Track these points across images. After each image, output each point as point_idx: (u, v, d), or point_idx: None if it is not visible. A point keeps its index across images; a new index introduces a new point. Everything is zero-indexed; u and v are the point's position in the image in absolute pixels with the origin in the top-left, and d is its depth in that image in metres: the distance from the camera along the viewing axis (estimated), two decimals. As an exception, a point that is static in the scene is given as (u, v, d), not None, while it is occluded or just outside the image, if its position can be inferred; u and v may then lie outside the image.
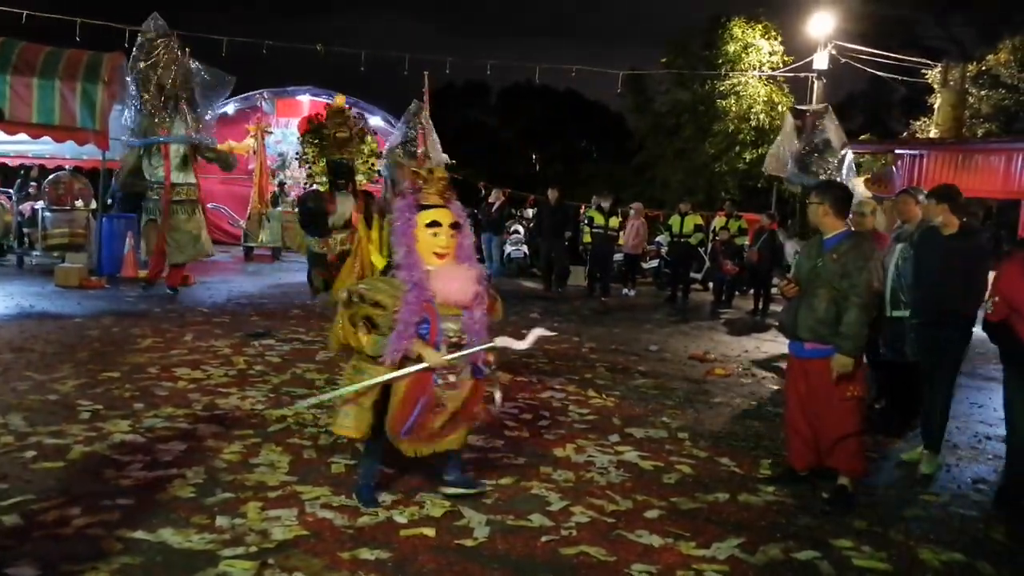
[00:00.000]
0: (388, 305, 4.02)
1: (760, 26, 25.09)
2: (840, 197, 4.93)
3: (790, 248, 14.13)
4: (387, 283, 4.20)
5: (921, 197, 6.53)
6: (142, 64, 11.66)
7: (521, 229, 20.01)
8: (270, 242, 18.51)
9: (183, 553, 3.60)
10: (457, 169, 22.83)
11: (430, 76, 21.20)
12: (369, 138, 9.53)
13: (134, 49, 11.92)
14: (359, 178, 9.25)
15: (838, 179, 10.80)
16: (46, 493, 4.13)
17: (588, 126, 46.69)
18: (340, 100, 9.43)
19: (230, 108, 20.88)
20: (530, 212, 22.53)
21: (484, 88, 49.70)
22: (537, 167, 45.21)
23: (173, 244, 11.78)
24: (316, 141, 9.11)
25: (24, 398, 5.83)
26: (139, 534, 3.73)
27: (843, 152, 11.09)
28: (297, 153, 9.44)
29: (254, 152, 19.10)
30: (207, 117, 12.35)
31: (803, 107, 12.22)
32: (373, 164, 9.51)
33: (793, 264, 10.92)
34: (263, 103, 20.92)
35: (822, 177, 10.91)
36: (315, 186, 9.03)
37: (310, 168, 9.16)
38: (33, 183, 15.90)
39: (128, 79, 11.84)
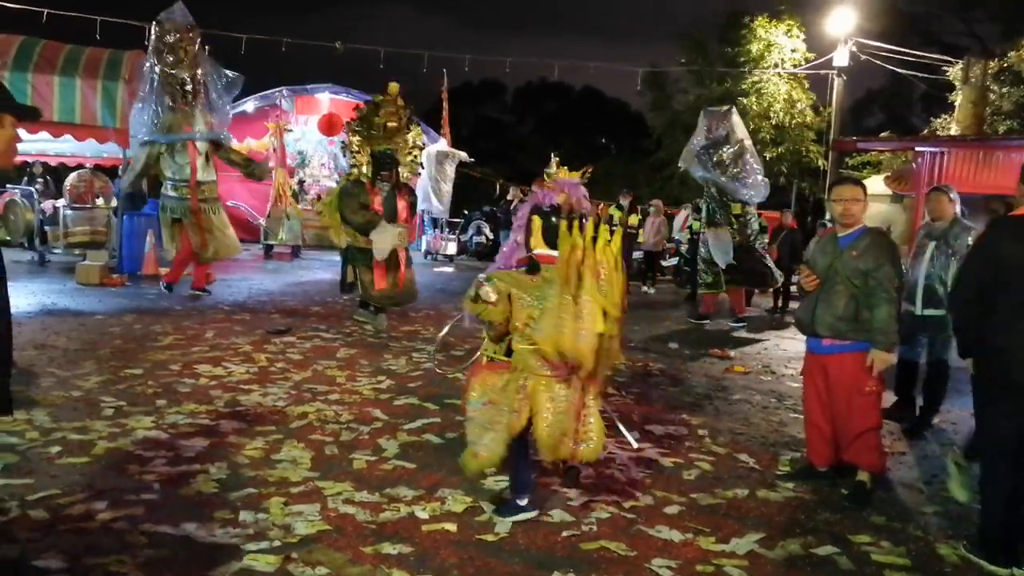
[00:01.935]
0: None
1: (783, 24, 24.93)
2: (866, 193, 4.93)
3: (677, 221, 14.41)
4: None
5: (953, 194, 6.55)
6: (168, 57, 11.23)
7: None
8: (290, 240, 18.60)
9: (207, 547, 3.64)
10: (474, 167, 22.90)
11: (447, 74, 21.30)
12: (416, 129, 9.52)
13: (154, 40, 11.43)
14: (402, 171, 9.27)
15: (730, 170, 11.52)
16: (71, 487, 4.17)
17: (606, 123, 46.71)
18: (394, 88, 9.37)
19: (249, 106, 20.95)
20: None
21: (501, 86, 49.84)
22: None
23: (214, 244, 11.44)
24: (361, 129, 9.11)
25: (48, 394, 5.88)
26: (164, 528, 3.76)
27: (736, 147, 11.69)
28: (343, 142, 9.38)
29: (274, 150, 19.18)
30: (222, 114, 11.96)
31: (714, 108, 12.71)
32: (416, 156, 9.51)
33: (713, 250, 11.34)
34: (282, 101, 20.97)
35: (717, 169, 11.57)
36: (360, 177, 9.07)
37: (354, 158, 9.15)
38: (40, 180, 15.90)
39: (149, 72, 11.40)
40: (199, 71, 11.45)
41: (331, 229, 9.28)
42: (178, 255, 11.47)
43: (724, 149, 11.64)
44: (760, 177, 11.83)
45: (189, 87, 11.30)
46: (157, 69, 11.30)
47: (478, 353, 4.42)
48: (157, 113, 11.26)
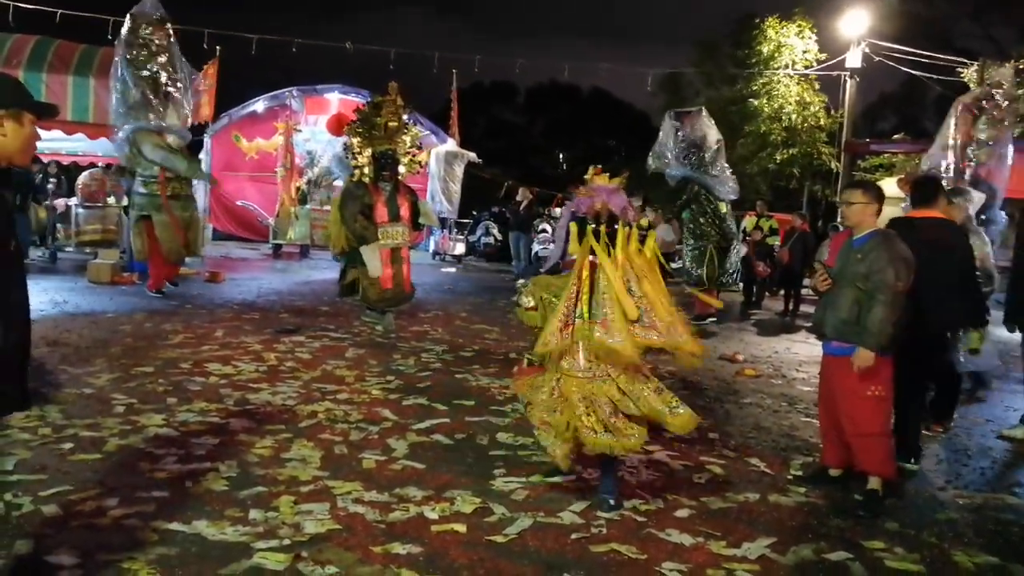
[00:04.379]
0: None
1: (794, 25, 24.83)
2: (883, 197, 4.90)
3: (661, 232, 14.52)
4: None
5: (956, 199, 6.61)
6: (137, 50, 10.94)
7: (549, 228, 20.07)
8: (298, 239, 18.63)
9: (218, 544, 3.64)
10: (483, 168, 22.91)
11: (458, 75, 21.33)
12: (415, 129, 9.51)
13: (126, 33, 11.08)
14: (401, 170, 9.28)
15: (712, 170, 11.80)
16: (83, 484, 4.18)
17: (615, 125, 46.68)
18: (394, 87, 9.37)
19: (259, 106, 21.02)
20: (557, 211, 22.57)
21: (511, 87, 49.82)
22: (564, 166, 45.21)
23: (167, 241, 11.02)
24: (363, 130, 9.12)
25: (60, 391, 5.91)
26: (175, 525, 3.77)
27: (716, 147, 11.98)
28: (345, 144, 9.40)
29: (282, 151, 19.21)
30: (186, 111, 11.58)
31: (682, 110, 12.89)
32: (415, 155, 9.51)
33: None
34: (292, 101, 21.00)
35: (700, 169, 11.81)
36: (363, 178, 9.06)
37: (355, 159, 9.15)
38: (53, 179, 15.84)
39: (118, 66, 11.07)
40: (172, 67, 11.21)
41: (331, 232, 9.23)
42: (150, 257, 11.22)
43: (706, 149, 11.86)
44: (731, 176, 12.18)
45: (163, 81, 11.05)
46: (127, 62, 10.98)
47: (524, 357, 4.60)
48: (132, 108, 10.93)
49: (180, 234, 11.09)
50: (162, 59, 11.09)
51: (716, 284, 11.94)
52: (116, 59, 11.18)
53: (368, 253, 8.89)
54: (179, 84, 11.31)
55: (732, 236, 11.96)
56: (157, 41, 11.09)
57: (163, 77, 11.08)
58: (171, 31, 11.33)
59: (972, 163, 8.66)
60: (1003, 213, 8.81)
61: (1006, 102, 8.88)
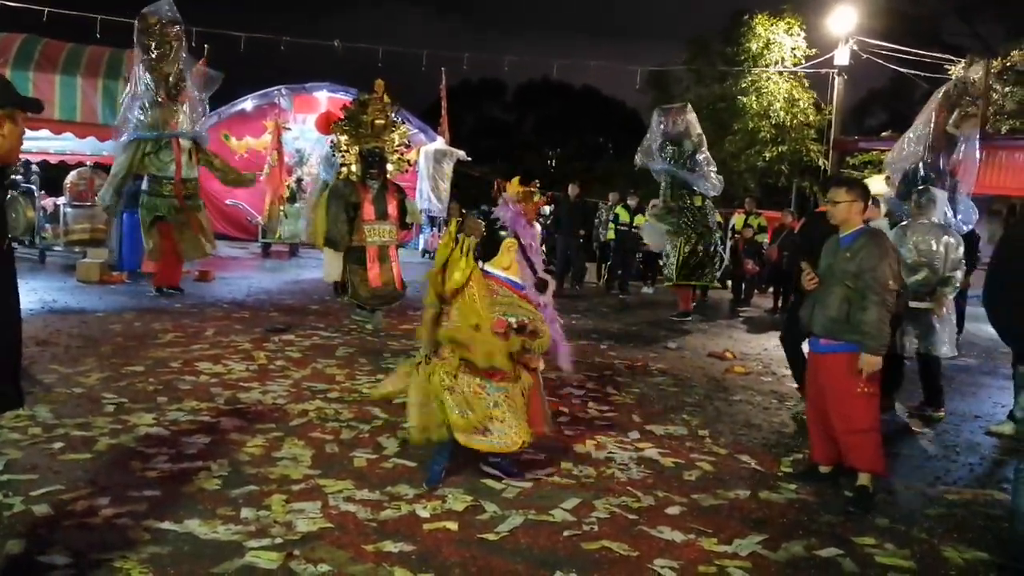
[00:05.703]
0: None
1: (783, 22, 24.83)
2: (869, 195, 4.92)
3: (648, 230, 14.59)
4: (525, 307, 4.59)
5: (922, 199, 6.88)
6: (153, 52, 10.95)
7: (538, 226, 19.97)
8: (288, 238, 18.57)
9: (210, 543, 3.64)
10: (472, 166, 22.89)
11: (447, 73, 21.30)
12: (403, 127, 9.51)
13: (138, 34, 11.07)
14: (389, 168, 9.29)
15: (690, 164, 11.84)
16: (74, 483, 4.18)
17: (604, 123, 46.66)
18: (380, 85, 9.37)
19: (248, 105, 20.93)
20: (547, 209, 22.54)
21: (501, 85, 49.79)
22: (553, 164, 45.19)
23: (187, 243, 11.19)
24: (350, 128, 9.13)
25: (50, 391, 5.90)
26: (166, 524, 3.77)
27: (696, 142, 12.02)
28: (332, 142, 9.39)
29: (273, 150, 19.14)
30: (201, 112, 11.70)
31: (668, 106, 12.92)
32: (403, 154, 9.53)
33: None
34: (281, 100, 20.94)
35: (676, 162, 11.88)
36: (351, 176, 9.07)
37: (343, 157, 9.15)
38: (20, 175, 15.56)
39: (137, 68, 11.08)
40: (183, 67, 11.23)
41: (317, 228, 9.23)
42: (162, 256, 11.20)
43: (685, 143, 11.91)
44: (715, 173, 12.10)
45: (174, 83, 11.07)
46: (143, 64, 10.99)
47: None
48: (144, 110, 10.93)
49: (198, 233, 11.28)
50: (174, 61, 11.09)
51: (692, 280, 12.01)
52: (135, 62, 11.20)
53: (330, 256, 8.94)
54: (192, 87, 11.33)
55: (711, 231, 11.96)
56: (171, 42, 11.07)
57: (174, 79, 11.08)
58: (183, 33, 11.34)
59: (952, 157, 8.75)
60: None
61: (976, 98, 9.04)
